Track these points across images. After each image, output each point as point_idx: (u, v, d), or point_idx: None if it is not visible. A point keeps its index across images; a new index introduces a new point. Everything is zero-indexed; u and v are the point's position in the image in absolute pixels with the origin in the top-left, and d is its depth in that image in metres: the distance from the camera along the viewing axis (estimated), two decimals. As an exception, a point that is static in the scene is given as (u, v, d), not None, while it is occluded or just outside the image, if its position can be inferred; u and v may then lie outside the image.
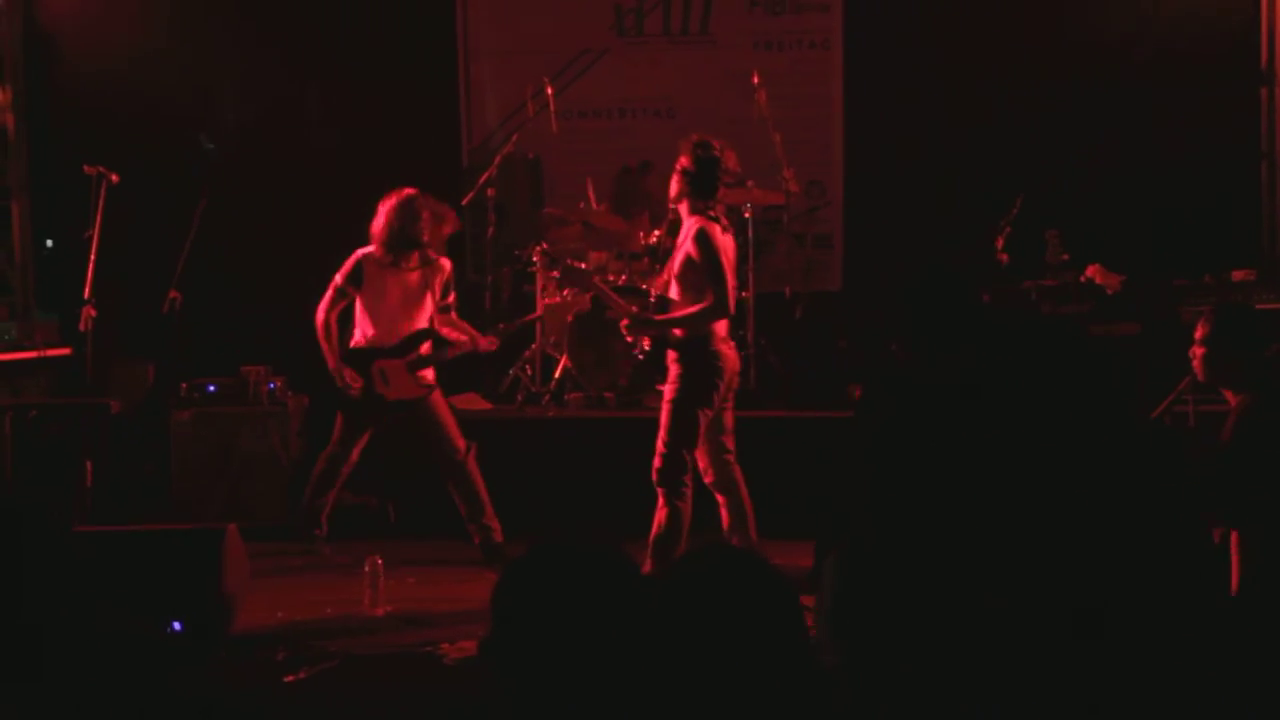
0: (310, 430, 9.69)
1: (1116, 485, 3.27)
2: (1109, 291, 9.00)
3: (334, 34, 11.24)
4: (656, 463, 7.15)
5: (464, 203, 10.19)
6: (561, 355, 9.63)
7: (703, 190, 7.14)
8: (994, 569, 3.22)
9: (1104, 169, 10.59)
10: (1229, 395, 5.74)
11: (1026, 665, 3.08)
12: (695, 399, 7.10)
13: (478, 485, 8.21)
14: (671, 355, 7.18)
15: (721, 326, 7.14)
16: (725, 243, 7.15)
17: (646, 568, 7.00)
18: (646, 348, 7.65)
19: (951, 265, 6.07)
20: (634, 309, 7.47)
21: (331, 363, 8.29)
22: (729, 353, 7.16)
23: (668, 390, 7.18)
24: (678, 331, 7.12)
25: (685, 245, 7.08)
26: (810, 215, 10.70)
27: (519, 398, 9.72)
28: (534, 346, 9.82)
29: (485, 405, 9.81)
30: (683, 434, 7.11)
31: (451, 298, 8.41)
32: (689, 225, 7.15)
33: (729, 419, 7.33)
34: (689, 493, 7.16)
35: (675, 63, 11.60)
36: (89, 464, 8.51)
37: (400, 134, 11.19)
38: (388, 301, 8.23)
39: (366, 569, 7.16)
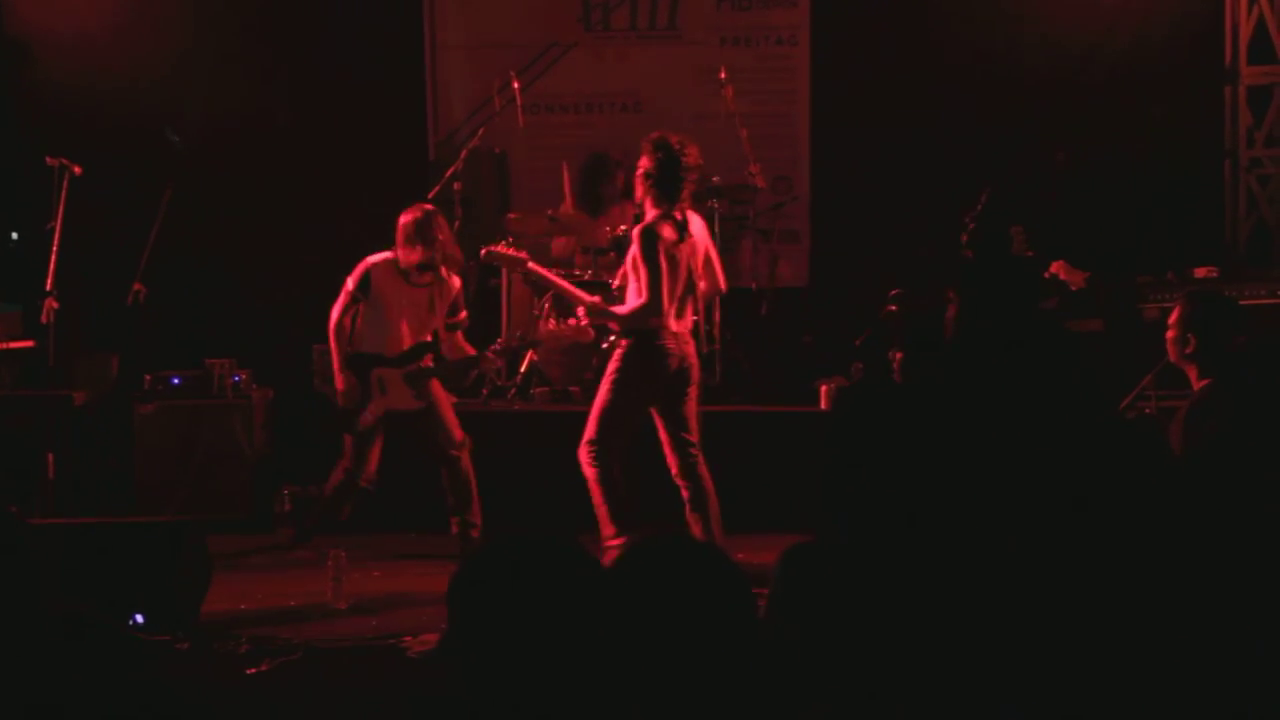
0: (275, 423, 9.67)
1: (1100, 476, 3.29)
2: (1073, 288, 9.06)
3: (300, 26, 11.19)
4: (582, 447, 7.21)
5: (430, 196, 10.15)
6: (527, 350, 9.62)
7: (665, 193, 7.18)
8: (967, 561, 3.23)
9: (1068, 166, 10.63)
10: (1193, 378, 5.84)
11: (1000, 663, 3.09)
12: (624, 390, 7.19)
13: (470, 480, 8.21)
14: (621, 343, 7.26)
15: (674, 322, 7.18)
16: (670, 237, 7.18)
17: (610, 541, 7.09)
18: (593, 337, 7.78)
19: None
20: (594, 298, 7.51)
21: (336, 364, 8.28)
22: (674, 349, 7.20)
23: (604, 377, 7.29)
24: (615, 325, 7.23)
25: (632, 244, 7.17)
26: (777, 211, 10.71)
27: (484, 391, 9.70)
28: (500, 341, 9.79)
29: (450, 399, 9.78)
30: (608, 421, 7.18)
31: (461, 315, 8.45)
32: (639, 226, 7.24)
33: (690, 412, 7.36)
34: (614, 471, 7.22)
35: (642, 57, 11.59)
36: (51, 456, 8.47)
37: (366, 127, 11.16)
38: (391, 313, 8.21)
39: (330, 562, 7.15)
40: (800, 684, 2.73)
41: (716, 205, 9.90)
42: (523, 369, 9.63)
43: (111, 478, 9.21)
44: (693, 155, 7.23)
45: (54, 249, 8.70)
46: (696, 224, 7.41)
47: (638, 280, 7.15)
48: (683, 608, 2.64)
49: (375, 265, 8.21)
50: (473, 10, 11.63)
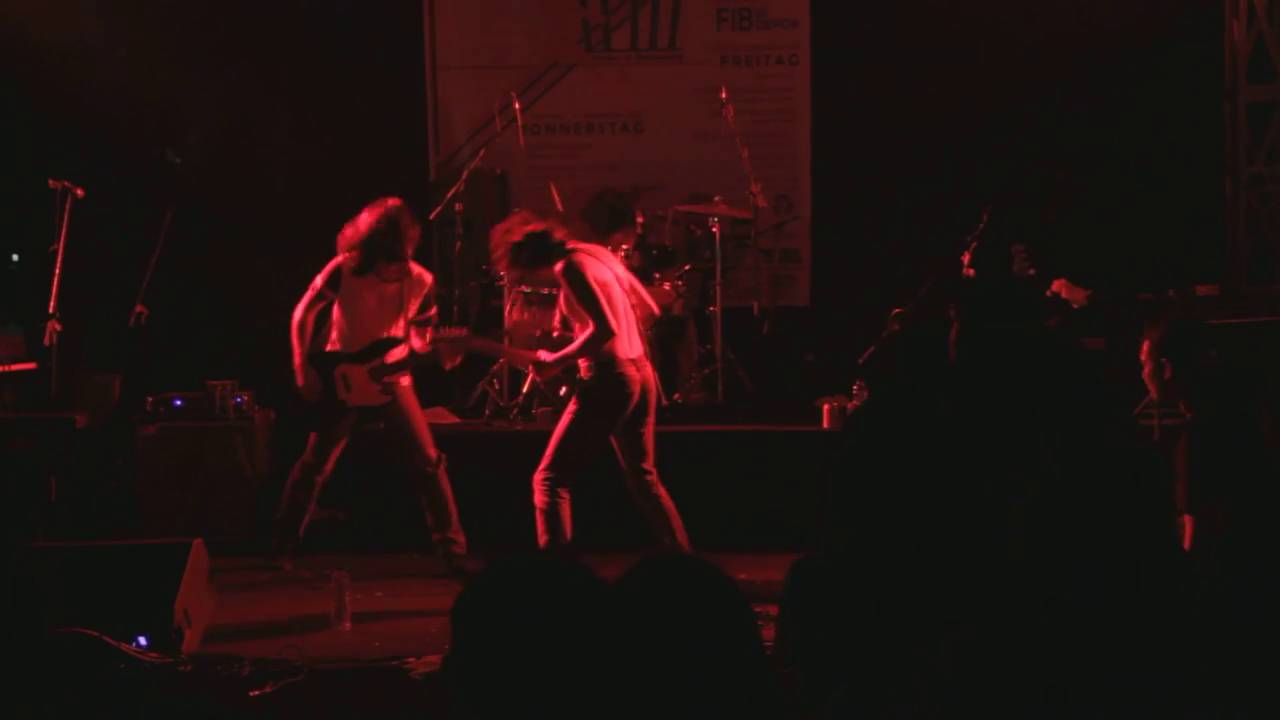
0: (277, 445, 9.66)
1: (1103, 499, 3.28)
2: (1074, 306, 9.06)
3: (302, 47, 11.22)
4: (538, 474, 7.21)
5: (431, 217, 10.19)
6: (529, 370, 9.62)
7: (530, 260, 7.34)
8: (968, 580, 3.23)
9: (1069, 184, 10.65)
10: (1182, 407, 5.81)
11: (995, 681, 3.09)
12: (588, 424, 7.21)
13: (447, 497, 8.21)
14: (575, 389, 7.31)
15: (623, 349, 7.20)
16: (596, 269, 7.24)
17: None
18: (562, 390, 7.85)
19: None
20: (538, 354, 7.53)
21: (296, 360, 8.27)
22: (635, 375, 7.22)
23: (566, 408, 7.29)
24: (581, 362, 7.22)
25: (561, 285, 7.25)
26: (778, 230, 10.73)
27: (487, 412, 9.71)
28: (501, 361, 9.81)
29: (453, 419, 9.80)
30: (566, 453, 7.19)
31: (432, 311, 8.38)
32: (556, 267, 7.28)
33: (648, 442, 7.39)
34: (564, 504, 7.20)
35: (643, 77, 11.62)
36: (53, 479, 8.47)
37: (368, 148, 11.17)
38: (362, 309, 8.22)
39: (333, 583, 7.14)
40: (803, 705, 2.73)
41: (718, 225, 9.91)
42: (525, 389, 9.63)
43: (114, 500, 9.21)
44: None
45: (56, 271, 8.70)
46: (608, 256, 7.52)
47: (576, 315, 7.21)
48: (683, 626, 2.64)
49: (345, 262, 8.21)
50: (473, 32, 11.66)
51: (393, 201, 8.22)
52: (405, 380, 8.29)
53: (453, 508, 8.20)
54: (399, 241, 8.11)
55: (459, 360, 8.14)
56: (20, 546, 3.12)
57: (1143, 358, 5.83)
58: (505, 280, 9.34)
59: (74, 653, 2.95)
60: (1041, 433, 3.33)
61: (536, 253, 7.34)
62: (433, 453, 8.23)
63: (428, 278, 8.35)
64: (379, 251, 8.10)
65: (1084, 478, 3.16)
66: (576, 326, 7.30)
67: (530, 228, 7.36)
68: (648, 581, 2.73)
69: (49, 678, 3.03)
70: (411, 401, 8.32)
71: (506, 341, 8.97)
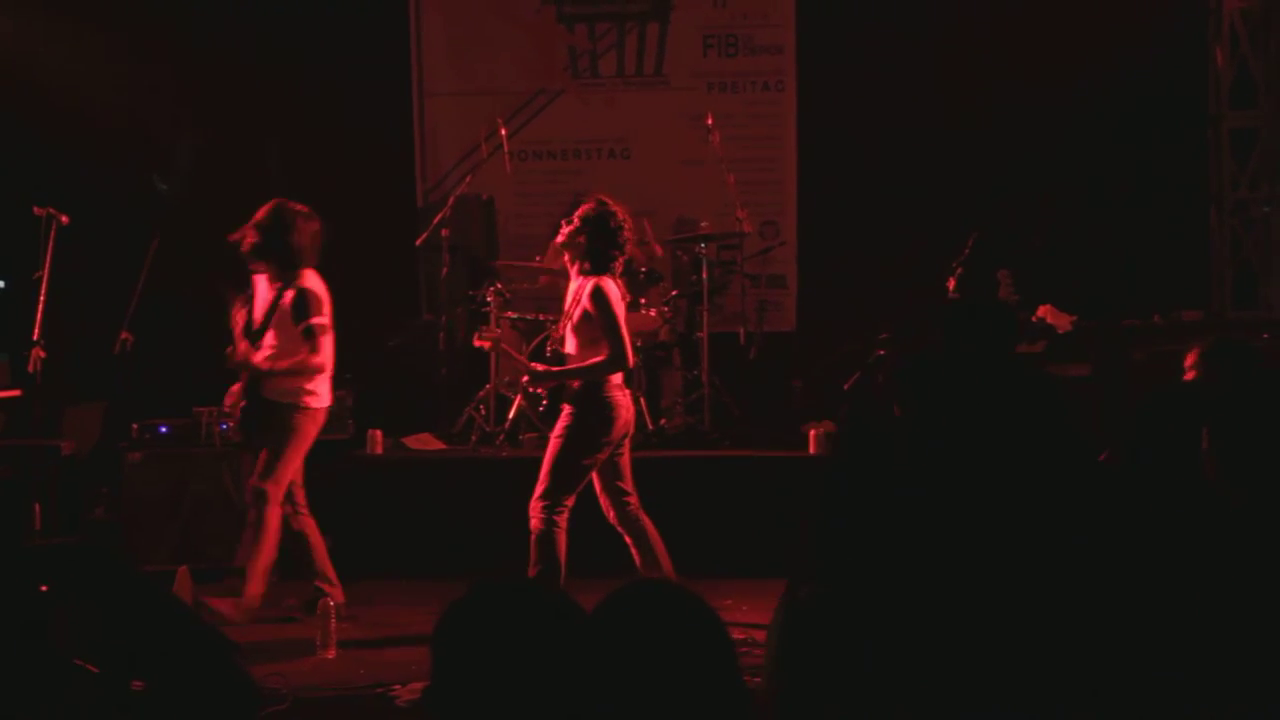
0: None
1: (1072, 521, 3.29)
2: (1060, 331, 9.06)
3: (289, 74, 11.23)
4: (534, 501, 7.16)
5: (418, 243, 10.21)
6: (516, 395, 9.62)
7: (598, 260, 7.20)
8: (951, 612, 3.23)
9: (1055, 210, 10.68)
10: None
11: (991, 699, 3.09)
12: (581, 444, 7.15)
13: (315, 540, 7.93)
14: (566, 402, 7.24)
15: (616, 375, 7.19)
16: (619, 297, 7.20)
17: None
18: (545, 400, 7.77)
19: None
20: (535, 365, 7.48)
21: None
22: (623, 400, 7.21)
23: (555, 432, 7.23)
24: (575, 382, 7.19)
25: (582, 302, 7.14)
26: (764, 256, 10.74)
27: (473, 438, 9.70)
28: (488, 387, 9.81)
29: (439, 445, 9.79)
30: (564, 477, 7.14)
31: (320, 319, 7.82)
32: (584, 283, 7.19)
33: (626, 465, 7.36)
34: (560, 532, 7.14)
35: (630, 104, 11.66)
36: (37, 506, 8.44)
37: (355, 173, 11.17)
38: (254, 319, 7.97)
39: (318, 610, 7.12)
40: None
41: (704, 250, 9.93)
42: (511, 415, 9.63)
43: (99, 527, 9.18)
44: (630, 230, 7.29)
45: (41, 298, 8.68)
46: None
47: (587, 335, 7.14)
48: (660, 654, 2.64)
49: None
50: (460, 58, 11.69)
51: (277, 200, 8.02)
52: (309, 400, 7.89)
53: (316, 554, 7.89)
54: (291, 239, 7.88)
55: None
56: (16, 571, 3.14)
57: (1189, 365, 5.96)
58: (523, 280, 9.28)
59: (59, 680, 2.94)
60: (1015, 455, 3.34)
61: (597, 243, 7.21)
62: (301, 494, 7.89)
63: (307, 280, 7.93)
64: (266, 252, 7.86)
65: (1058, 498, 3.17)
66: (575, 341, 7.21)
67: (620, 233, 7.22)
68: (626, 609, 2.73)
69: (39, 704, 3.02)
70: (291, 433, 7.87)
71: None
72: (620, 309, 7.13)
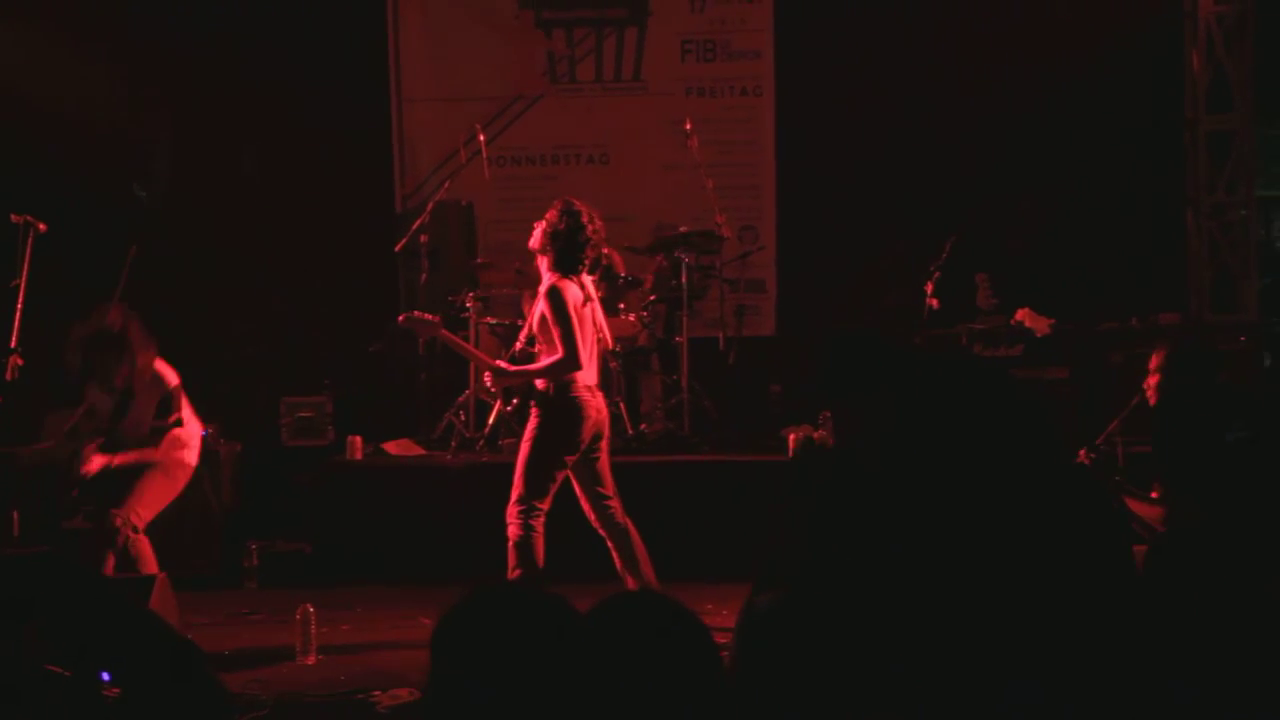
0: (242, 478, 9.64)
1: (1041, 529, 3.30)
2: (1038, 335, 9.10)
3: (267, 80, 11.21)
4: (510, 507, 7.17)
5: (397, 249, 10.20)
6: (495, 401, 9.61)
7: (566, 261, 7.21)
8: (918, 621, 3.24)
9: (1033, 214, 10.72)
10: None
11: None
12: (549, 446, 7.17)
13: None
14: (533, 403, 7.27)
15: (582, 376, 7.20)
16: (577, 298, 7.20)
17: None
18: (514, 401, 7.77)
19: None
20: (496, 362, 7.49)
21: None
22: (591, 401, 7.22)
23: (524, 436, 7.25)
24: (539, 382, 7.21)
25: (539, 302, 7.17)
26: (743, 260, 10.75)
27: (453, 443, 9.69)
28: (468, 392, 9.80)
29: (419, 450, 9.78)
30: (534, 481, 7.15)
31: (173, 418, 7.76)
32: (543, 282, 7.22)
33: (604, 466, 7.37)
34: (537, 537, 7.15)
35: (608, 109, 11.67)
36: (15, 514, 8.41)
37: (334, 180, 11.18)
38: None
39: (298, 616, 7.11)
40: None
41: (684, 255, 9.94)
42: (490, 420, 9.62)
43: (77, 535, 9.14)
44: (597, 231, 7.29)
45: (19, 305, 8.65)
46: (589, 283, 7.45)
47: (546, 337, 7.17)
48: (648, 663, 2.65)
49: None
50: (439, 64, 11.69)
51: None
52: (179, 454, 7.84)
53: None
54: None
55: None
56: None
57: (1152, 367, 5.94)
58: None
59: (29, 689, 2.94)
60: (977, 463, 3.35)
61: (561, 245, 7.21)
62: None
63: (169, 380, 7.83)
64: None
65: (1025, 504, 3.18)
66: (541, 345, 7.28)
67: (583, 233, 7.22)
68: (613, 618, 2.74)
69: (17, 713, 3.02)
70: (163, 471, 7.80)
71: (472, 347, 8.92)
72: (575, 310, 7.13)
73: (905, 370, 4.43)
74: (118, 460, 7.60)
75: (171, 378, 7.80)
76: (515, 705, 2.58)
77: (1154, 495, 5.96)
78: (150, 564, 7.68)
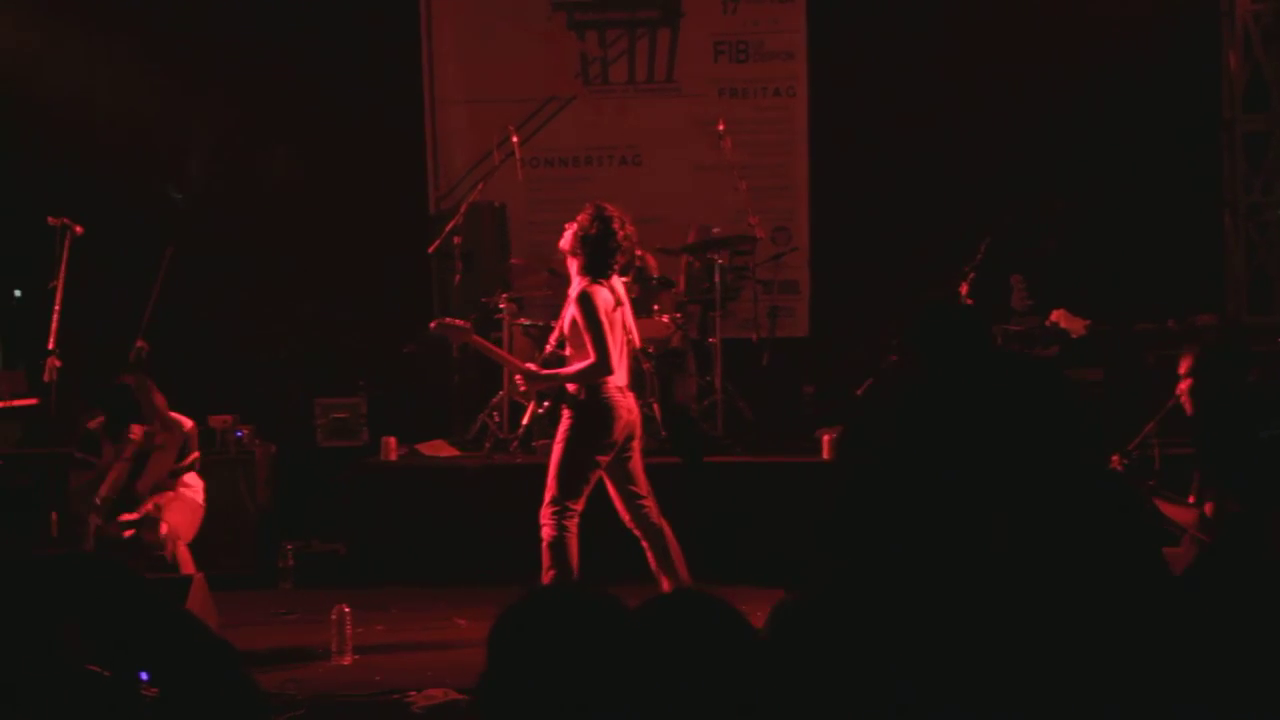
0: (277, 479, 9.68)
1: (1077, 531, 3.29)
2: (1073, 336, 9.06)
3: (301, 83, 11.25)
4: (544, 508, 7.19)
5: (430, 250, 10.21)
6: (529, 402, 9.61)
7: (596, 264, 7.23)
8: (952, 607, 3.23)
9: (1068, 214, 10.67)
10: None
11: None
12: (582, 447, 7.18)
13: None
14: (564, 405, 7.27)
15: (612, 378, 7.20)
16: (608, 302, 7.20)
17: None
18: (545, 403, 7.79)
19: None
20: (527, 365, 7.51)
21: None
22: (622, 401, 7.23)
23: (557, 438, 7.26)
24: (569, 385, 7.21)
25: (570, 306, 7.18)
26: (776, 261, 10.74)
27: (487, 444, 9.70)
28: (501, 393, 9.81)
29: (453, 452, 9.80)
30: (568, 482, 7.16)
31: (191, 458, 8.31)
32: (574, 285, 7.24)
33: (636, 466, 7.37)
34: (571, 538, 7.16)
35: (641, 110, 11.67)
36: (54, 515, 8.46)
37: (368, 182, 11.21)
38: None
39: (334, 617, 7.14)
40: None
41: (717, 257, 9.93)
42: (525, 421, 9.62)
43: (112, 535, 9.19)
44: (628, 236, 7.30)
45: (56, 308, 8.71)
46: (619, 285, 7.46)
47: (577, 340, 7.18)
48: (698, 662, 2.65)
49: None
50: (472, 66, 11.71)
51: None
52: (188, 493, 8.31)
53: None
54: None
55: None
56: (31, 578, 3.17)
57: (1182, 372, 5.90)
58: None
59: (78, 689, 2.97)
60: (1018, 456, 3.34)
61: (592, 248, 7.22)
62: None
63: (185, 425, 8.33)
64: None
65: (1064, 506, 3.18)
66: (571, 348, 7.29)
67: (614, 238, 7.23)
68: (662, 618, 2.75)
69: (56, 712, 3.04)
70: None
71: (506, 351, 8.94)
72: (605, 315, 7.14)
73: (972, 358, 4.40)
74: (139, 514, 8.06)
75: (186, 423, 8.34)
76: (569, 702, 2.59)
77: (1191, 500, 5.92)
78: (190, 568, 7.97)
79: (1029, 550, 3.14)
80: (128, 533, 8.01)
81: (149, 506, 8.04)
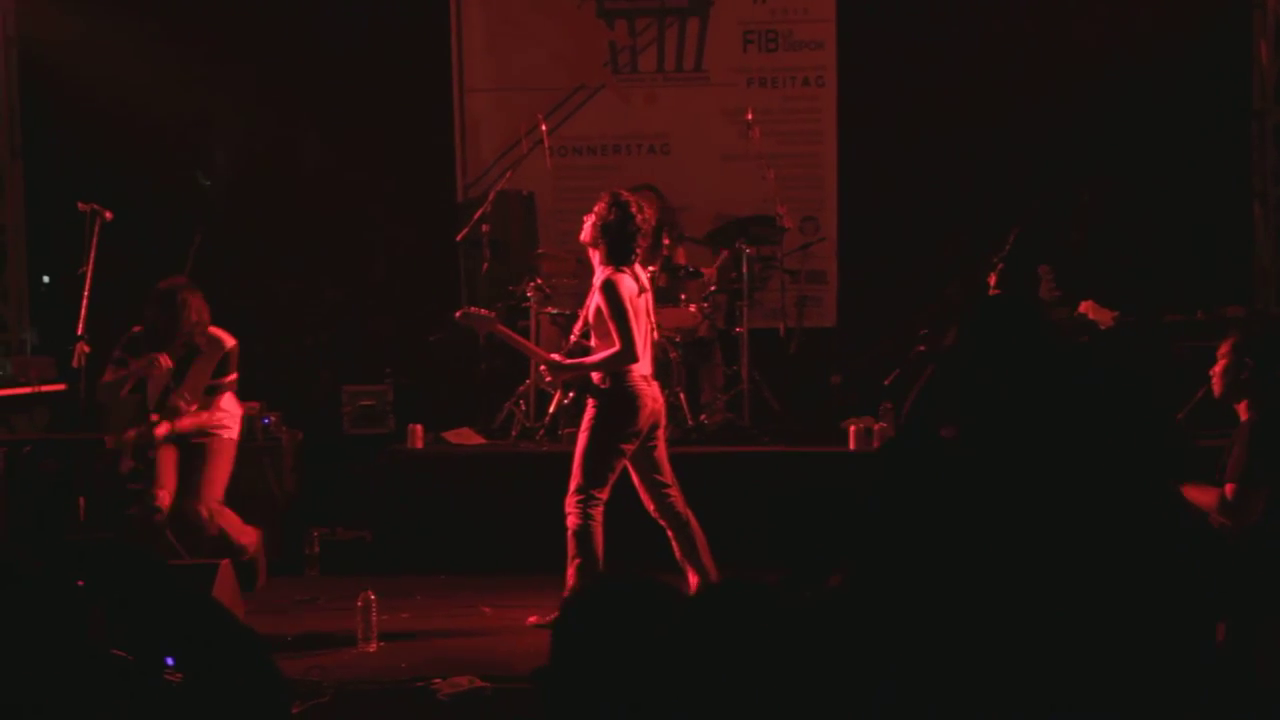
0: (304, 466, 9.70)
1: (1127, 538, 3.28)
2: (1102, 327, 9.03)
3: (330, 70, 11.27)
4: (569, 497, 7.19)
5: (459, 239, 10.22)
6: (555, 391, 9.63)
7: (618, 252, 7.23)
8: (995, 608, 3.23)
9: (1096, 204, 10.62)
10: (1242, 411, 5.90)
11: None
12: (607, 435, 7.19)
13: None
14: (589, 394, 7.29)
15: (637, 366, 7.20)
16: (632, 289, 7.19)
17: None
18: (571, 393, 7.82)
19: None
20: (552, 355, 7.53)
21: None
22: (646, 390, 7.23)
23: (582, 427, 7.27)
24: (596, 375, 7.21)
25: (594, 295, 7.18)
26: (804, 251, 10.72)
27: (513, 432, 9.72)
28: (528, 382, 9.82)
29: (479, 440, 9.81)
30: (593, 470, 7.17)
31: (229, 378, 8.42)
32: (597, 275, 7.24)
33: (661, 455, 7.38)
34: (596, 526, 7.17)
35: (669, 99, 11.65)
36: (82, 500, 8.50)
37: (396, 170, 11.24)
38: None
39: (359, 604, 7.16)
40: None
41: (745, 246, 9.92)
42: (551, 410, 9.64)
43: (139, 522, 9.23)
44: (647, 220, 7.30)
45: (85, 293, 8.74)
46: (643, 273, 7.46)
47: (602, 329, 7.18)
48: (751, 651, 2.66)
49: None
50: (500, 54, 11.70)
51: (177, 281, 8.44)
52: (225, 434, 8.42)
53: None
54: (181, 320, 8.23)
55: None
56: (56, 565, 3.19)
57: (1221, 354, 5.93)
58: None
59: (104, 673, 2.99)
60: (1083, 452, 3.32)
61: (614, 236, 7.24)
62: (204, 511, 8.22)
63: (227, 342, 8.40)
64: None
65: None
66: (596, 337, 7.29)
67: (632, 222, 7.25)
68: (713, 608, 2.76)
69: (82, 697, 3.06)
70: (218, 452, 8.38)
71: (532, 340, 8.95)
72: (630, 302, 7.14)
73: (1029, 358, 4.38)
74: (181, 425, 8.27)
75: (228, 339, 8.41)
76: (631, 690, 2.61)
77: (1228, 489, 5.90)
78: (242, 529, 8.31)
79: (1082, 560, 3.13)
80: (160, 509, 8.16)
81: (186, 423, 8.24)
